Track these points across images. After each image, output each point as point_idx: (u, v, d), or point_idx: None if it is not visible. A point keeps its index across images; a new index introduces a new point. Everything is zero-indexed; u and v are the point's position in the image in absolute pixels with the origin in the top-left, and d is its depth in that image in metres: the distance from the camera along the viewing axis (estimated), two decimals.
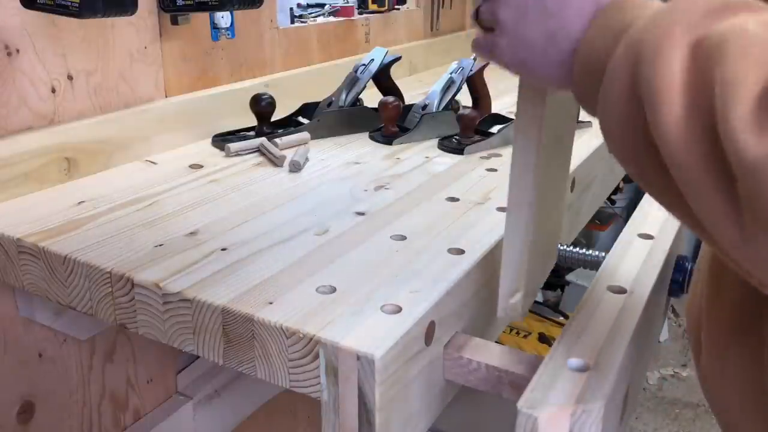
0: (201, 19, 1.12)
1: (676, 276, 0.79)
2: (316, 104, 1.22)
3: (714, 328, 0.58)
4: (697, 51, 0.31)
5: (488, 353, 0.62)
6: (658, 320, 0.79)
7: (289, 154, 1.04)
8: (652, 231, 0.80)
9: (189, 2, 0.99)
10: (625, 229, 0.81)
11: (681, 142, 0.31)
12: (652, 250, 0.76)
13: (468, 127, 1.10)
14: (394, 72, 1.28)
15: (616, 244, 0.77)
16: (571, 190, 0.98)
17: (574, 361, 0.55)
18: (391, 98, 1.16)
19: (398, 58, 1.28)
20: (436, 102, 1.19)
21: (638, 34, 0.33)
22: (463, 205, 0.86)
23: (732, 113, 0.29)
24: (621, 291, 0.66)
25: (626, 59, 0.34)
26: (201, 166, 1.00)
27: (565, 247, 0.81)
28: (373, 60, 1.23)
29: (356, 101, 1.22)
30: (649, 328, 0.71)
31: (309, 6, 1.70)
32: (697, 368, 0.62)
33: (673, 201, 0.35)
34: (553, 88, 0.44)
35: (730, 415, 0.56)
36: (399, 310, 0.59)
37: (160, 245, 0.73)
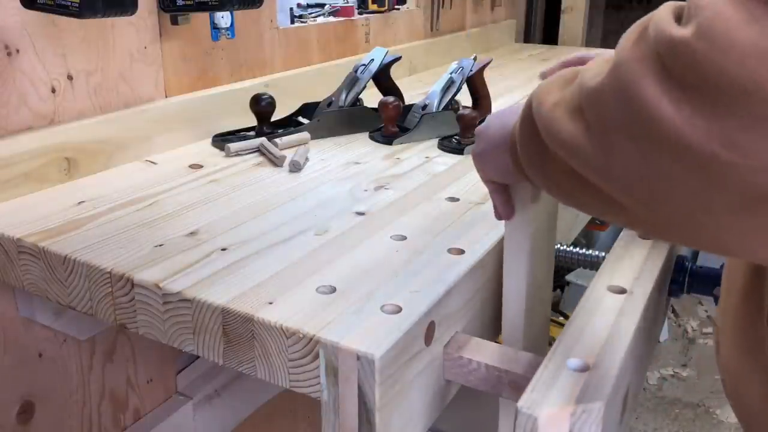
0: (201, 19, 1.12)
1: (676, 276, 0.79)
2: (316, 104, 1.22)
3: (728, 315, 0.59)
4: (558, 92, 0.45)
5: (488, 353, 0.62)
6: (658, 320, 0.79)
7: (289, 154, 1.04)
8: None
9: (189, 2, 0.99)
10: (625, 229, 0.81)
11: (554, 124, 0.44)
12: (652, 250, 0.76)
13: (468, 127, 1.10)
14: (394, 72, 1.28)
15: (615, 243, 0.77)
16: None
17: (574, 361, 0.55)
18: (391, 98, 1.16)
19: (398, 58, 1.28)
20: (436, 102, 1.19)
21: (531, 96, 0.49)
22: (463, 205, 0.86)
23: (584, 86, 0.41)
24: (621, 291, 0.66)
25: (525, 106, 0.49)
26: (201, 166, 1.00)
27: (565, 247, 0.81)
28: (373, 60, 1.23)
29: (356, 101, 1.22)
30: (649, 328, 0.70)
31: (309, 6, 1.70)
32: (718, 364, 0.62)
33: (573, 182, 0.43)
34: (501, 163, 0.59)
35: (751, 408, 0.56)
36: (399, 310, 0.59)
37: (160, 245, 0.73)
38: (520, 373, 0.59)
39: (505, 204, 0.66)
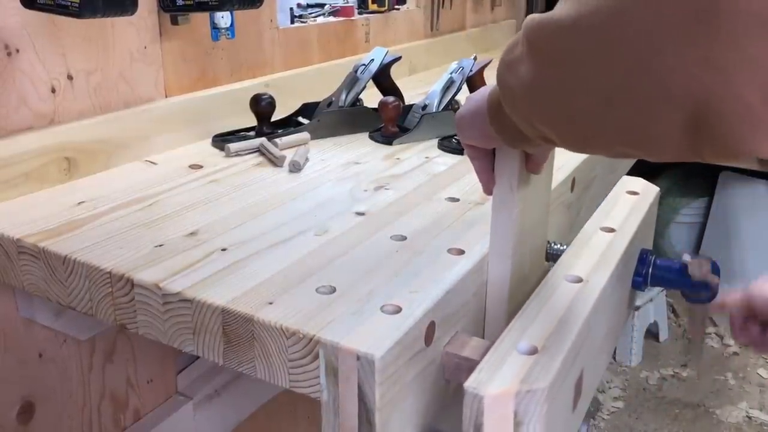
0: (201, 19, 1.12)
1: (639, 269, 0.80)
2: (316, 104, 1.22)
3: None
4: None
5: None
6: (621, 311, 0.79)
7: (289, 154, 1.04)
8: (614, 225, 0.81)
9: (189, 2, 0.99)
10: (587, 223, 0.81)
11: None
12: (613, 242, 0.76)
13: None
14: (394, 72, 1.28)
15: (578, 236, 0.78)
16: (571, 190, 0.98)
17: (523, 345, 0.55)
18: (391, 98, 1.16)
19: (398, 58, 1.28)
20: (436, 102, 1.19)
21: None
22: (463, 205, 0.86)
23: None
24: (577, 280, 0.67)
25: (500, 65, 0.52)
26: (201, 166, 1.00)
27: (564, 247, 0.81)
28: (373, 60, 1.23)
29: (356, 101, 1.22)
30: (609, 317, 0.70)
31: (309, 6, 1.70)
32: None
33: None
34: (478, 122, 0.61)
35: None
36: (399, 310, 0.59)
37: (160, 245, 0.73)
38: (476, 360, 0.59)
39: (484, 172, 0.67)
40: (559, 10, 0.42)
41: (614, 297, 0.72)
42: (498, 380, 0.51)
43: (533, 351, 0.55)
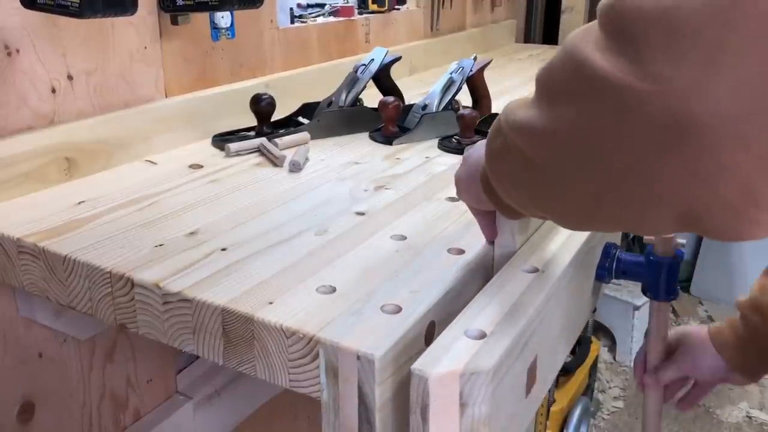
0: (201, 19, 1.12)
1: (602, 262, 0.81)
2: (316, 104, 1.22)
3: None
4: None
5: None
6: (582, 302, 0.79)
7: (289, 154, 1.04)
8: None
9: (189, 2, 0.99)
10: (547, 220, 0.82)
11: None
12: (573, 235, 0.76)
13: (468, 127, 1.10)
14: (394, 72, 1.28)
15: (538, 230, 0.78)
16: None
17: (472, 330, 0.56)
18: (391, 98, 1.16)
19: (398, 58, 1.28)
20: (436, 102, 1.19)
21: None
22: (463, 205, 0.85)
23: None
24: (533, 270, 0.67)
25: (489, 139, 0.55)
26: (201, 166, 1.00)
27: None
28: (373, 60, 1.23)
29: (356, 101, 1.22)
30: (566, 306, 0.71)
31: (309, 6, 1.70)
32: None
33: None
34: (474, 190, 0.63)
35: None
36: (399, 310, 0.59)
37: (160, 245, 0.73)
38: None
39: (486, 227, 0.70)
40: (536, 115, 0.43)
41: (573, 288, 0.73)
42: (444, 362, 0.52)
43: (481, 336, 0.55)
